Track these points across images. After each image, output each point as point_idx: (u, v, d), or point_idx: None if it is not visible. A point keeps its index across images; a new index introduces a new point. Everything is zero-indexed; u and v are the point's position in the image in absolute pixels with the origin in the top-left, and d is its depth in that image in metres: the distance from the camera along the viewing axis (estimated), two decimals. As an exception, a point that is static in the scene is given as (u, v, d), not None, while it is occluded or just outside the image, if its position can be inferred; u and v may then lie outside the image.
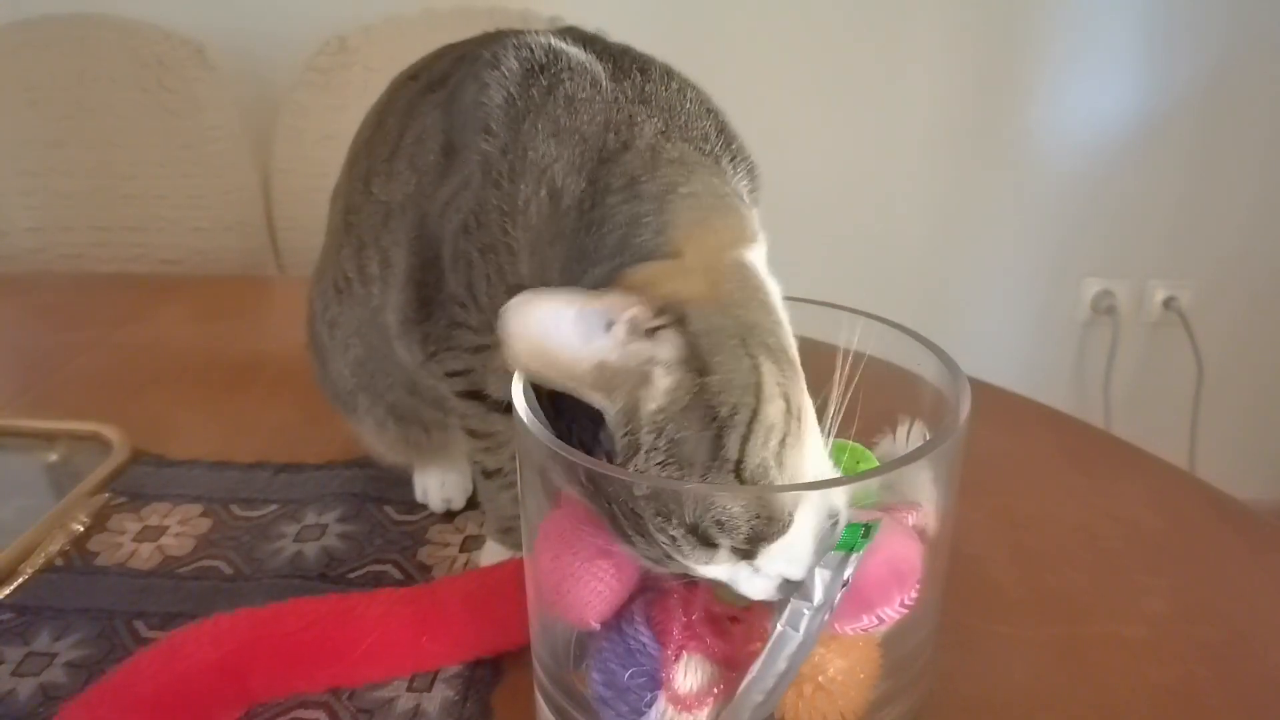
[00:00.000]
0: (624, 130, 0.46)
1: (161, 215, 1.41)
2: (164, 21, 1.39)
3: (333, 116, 1.38)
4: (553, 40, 0.51)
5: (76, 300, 1.12)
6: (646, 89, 0.49)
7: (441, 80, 0.58)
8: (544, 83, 0.49)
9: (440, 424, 0.65)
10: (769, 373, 0.38)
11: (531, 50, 0.51)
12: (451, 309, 0.55)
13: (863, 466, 0.43)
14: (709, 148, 0.48)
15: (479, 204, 0.51)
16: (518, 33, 0.53)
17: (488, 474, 0.60)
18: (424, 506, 0.69)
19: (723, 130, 0.50)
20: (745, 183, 0.49)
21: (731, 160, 0.49)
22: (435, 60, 0.63)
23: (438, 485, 0.69)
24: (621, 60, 0.50)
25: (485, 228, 0.51)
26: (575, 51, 0.50)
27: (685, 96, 0.49)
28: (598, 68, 0.49)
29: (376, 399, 0.66)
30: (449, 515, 0.68)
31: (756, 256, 0.44)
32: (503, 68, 0.51)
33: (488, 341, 0.54)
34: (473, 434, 0.59)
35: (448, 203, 0.53)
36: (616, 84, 0.48)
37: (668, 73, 0.51)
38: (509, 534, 0.61)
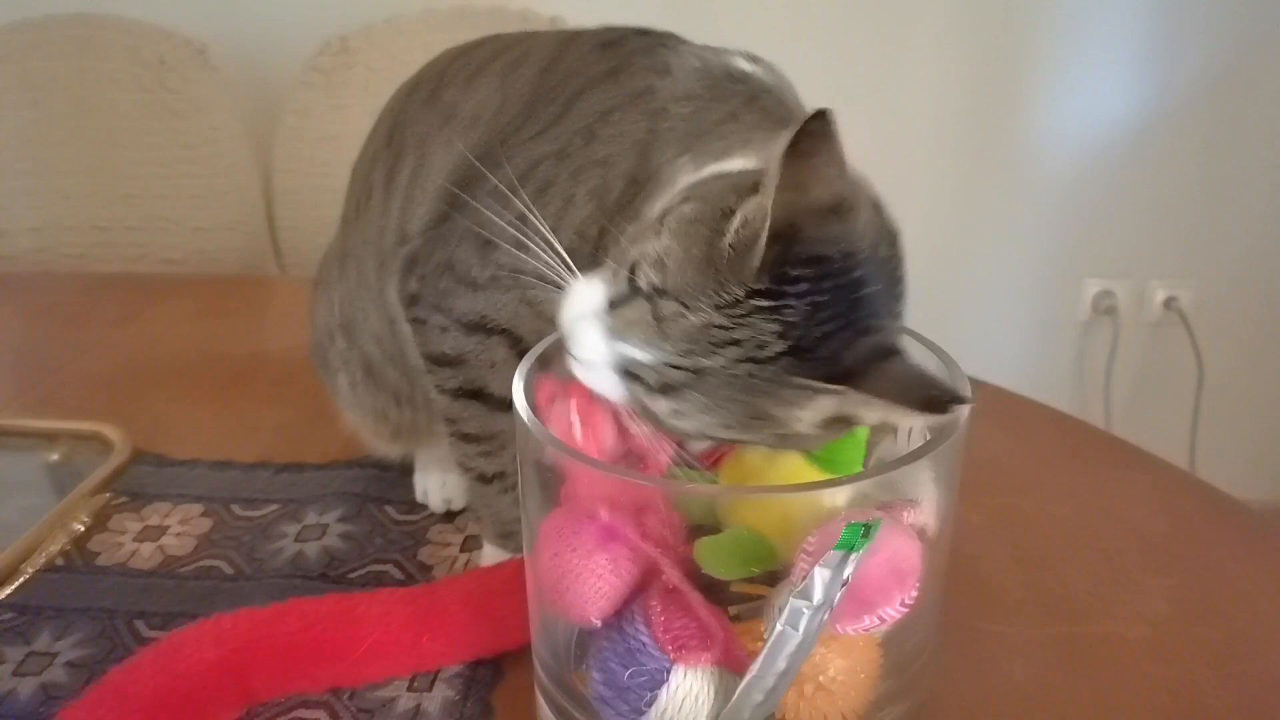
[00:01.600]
0: None
1: (163, 215, 1.41)
2: (166, 22, 1.39)
3: (334, 116, 1.39)
4: (738, 60, 0.54)
5: (78, 300, 1.12)
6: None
7: (613, 39, 0.58)
8: (738, 87, 0.52)
9: (409, 398, 0.64)
10: None
11: (723, 61, 0.54)
12: (459, 250, 0.54)
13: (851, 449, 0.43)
14: None
15: (589, 167, 0.52)
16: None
17: (486, 479, 0.60)
18: (425, 506, 0.69)
19: None
20: None
21: None
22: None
23: (438, 485, 0.69)
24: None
25: (572, 200, 0.52)
26: (767, 77, 0.54)
27: None
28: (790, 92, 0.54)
29: (351, 345, 0.66)
30: (449, 515, 0.68)
31: None
32: (708, 53, 0.53)
33: (481, 310, 0.54)
34: (468, 438, 0.58)
35: (538, 145, 0.54)
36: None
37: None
38: (510, 539, 0.61)
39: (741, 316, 0.39)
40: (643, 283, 0.41)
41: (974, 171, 1.74)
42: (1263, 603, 0.60)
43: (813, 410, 0.40)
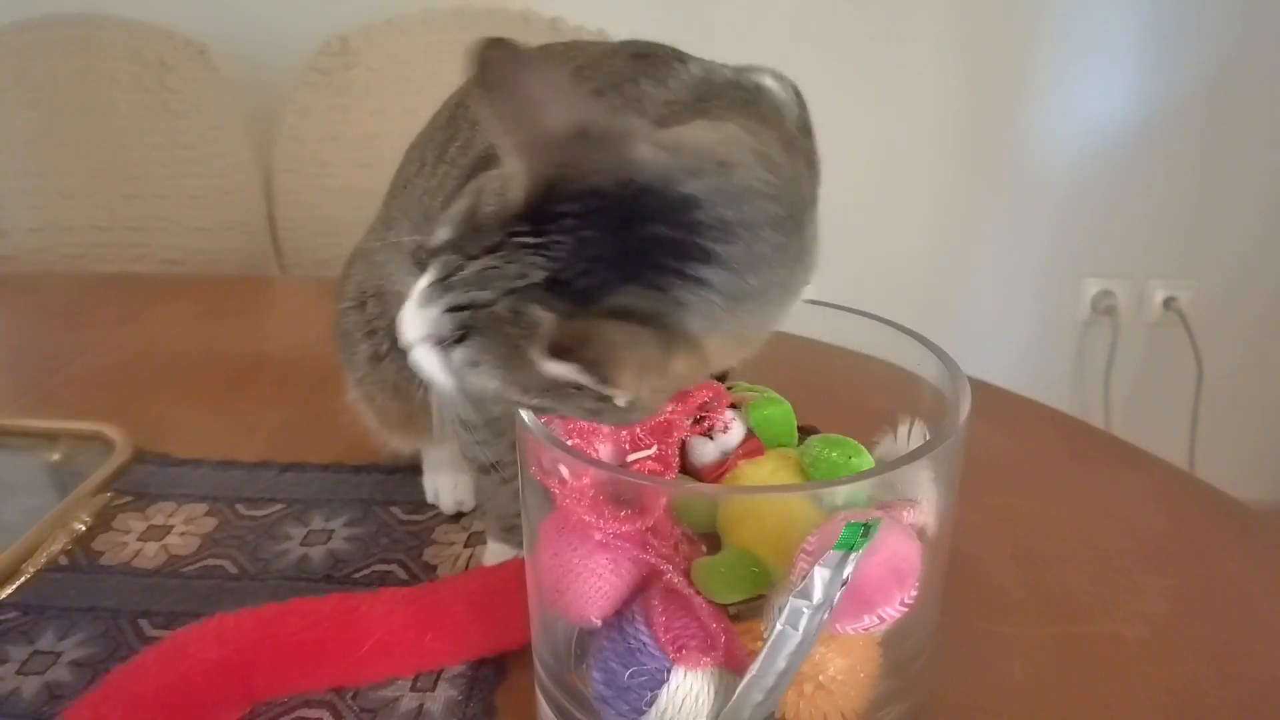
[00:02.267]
0: (798, 167, 0.46)
1: (163, 215, 1.41)
2: (166, 22, 1.40)
3: (335, 117, 1.39)
4: (763, 77, 0.52)
5: (78, 300, 1.12)
6: (815, 160, 0.50)
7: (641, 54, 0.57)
8: (744, 94, 0.50)
9: (404, 393, 0.64)
10: None
11: (739, 75, 0.52)
12: None
13: (855, 460, 0.43)
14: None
15: None
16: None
17: (485, 468, 0.60)
18: (431, 506, 0.69)
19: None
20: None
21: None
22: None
23: (450, 486, 0.69)
24: (812, 130, 0.52)
25: None
26: (780, 93, 0.51)
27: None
28: (794, 112, 0.51)
29: (383, 313, 0.65)
30: (455, 515, 0.68)
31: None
32: (714, 66, 0.51)
33: None
34: (464, 425, 0.58)
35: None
36: (800, 134, 0.50)
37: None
38: (512, 533, 0.61)
39: (507, 255, 0.39)
40: (435, 244, 0.42)
41: (974, 171, 1.74)
42: (1263, 603, 0.60)
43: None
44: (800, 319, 0.49)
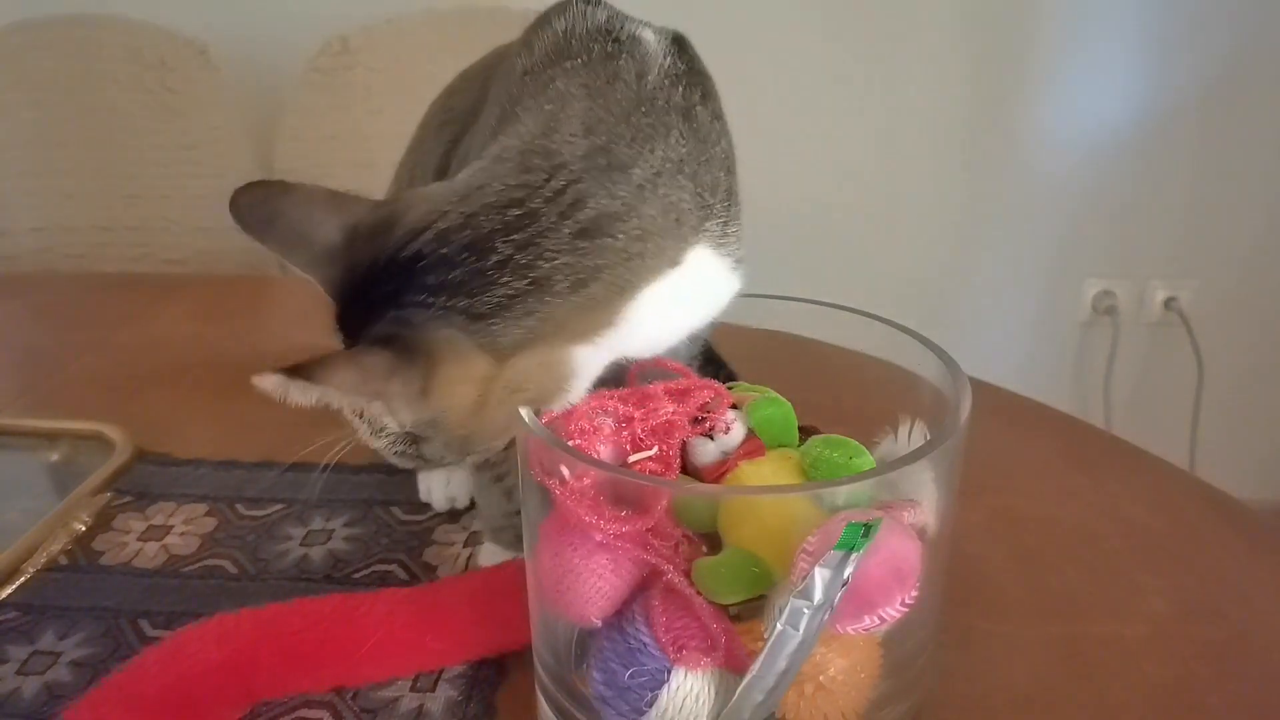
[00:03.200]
0: (641, 130, 0.46)
1: (164, 215, 1.41)
2: (167, 22, 1.40)
3: (335, 117, 1.39)
4: (644, 30, 0.50)
5: (79, 300, 1.12)
6: (696, 110, 0.48)
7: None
8: (608, 47, 0.48)
9: None
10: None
11: (620, 25, 0.50)
12: None
13: (856, 461, 0.43)
14: (711, 200, 0.48)
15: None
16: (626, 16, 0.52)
17: (477, 467, 0.60)
18: (430, 505, 0.69)
19: (731, 193, 0.49)
20: (731, 248, 0.49)
21: (721, 224, 0.48)
22: None
23: (442, 483, 0.69)
24: (692, 72, 0.50)
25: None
26: (653, 44, 0.49)
27: (717, 140, 0.49)
28: (661, 63, 0.48)
29: None
30: (454, 515, 0.69)
31: (596, 351, 0.46)
32: (587, 11, 0.50)
33: None
34: None
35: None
36: (671, 86, 0.48)
37: (718, 111, 0.50)
38: (502, 532, 0.61)
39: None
40: None
41: (974, 171, 1.74)
42: (1263, 603, 0.60)
43: None
44: (800, 319, 0.49)
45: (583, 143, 0.44)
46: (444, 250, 0.42)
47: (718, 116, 0.50)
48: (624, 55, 0.48)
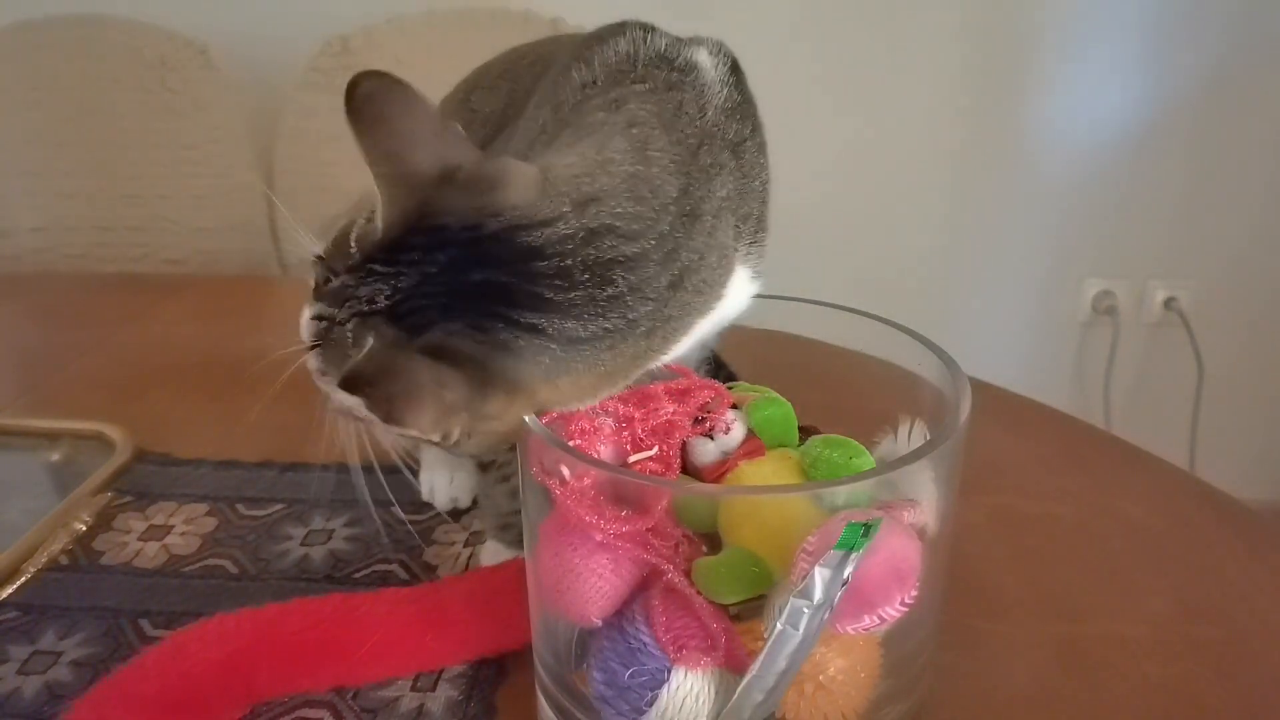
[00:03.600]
0: (707, 171, 0.46)
1: (164, 215, 1.41)
2: (167, 22, 1.40)
3: (335, 117, 1.37)
4: (699, 53, 0.50)
5: (79, 300, 1.12)
6: (745, 145, 0.49)
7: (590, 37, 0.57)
8: (671, 76, 0.48)
9: None
10: None
11: (677, 52, 0.50)
12: None
13: (856, 461, 0.43)
14: (744, 228, 0.48)
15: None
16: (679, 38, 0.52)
17: (482, 467, 0.60)
18: (431, 505, 0.69)
19: (761, 221, 0.50)
20: (754, 264, 0.49)
21: (750, 245, 0.49)
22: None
23: (445, 483, 0.69)
24: (745, 103, 0.50)
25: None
26: (710, 73, 0.49)
27: (759, 171, 0.49)
28: (719, 95, 0.49)
29: None
30: (456, 514, 0.69)
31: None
32: (647, 37, 0.50)
33: None
34: None
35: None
36: (727, 120, 0.48)
37: (763, 142, 0.51)
38: (506, 530, 0.61)
39: (363, 278, 0.41)
40: (315, 254, 0.45)
41: (974, 171, 1.74)
42: (1263, 603, 0.60)
43: None
44: (800, 319, 0.49)
45: (674, 183, 0.44)
46: (566, 262, 0.40)
47: (761, 149, 0.50)
48: (687, 86, 0.48)
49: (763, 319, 0.52)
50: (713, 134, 0.47)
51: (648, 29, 0.50)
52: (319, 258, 0.44)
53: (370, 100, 0.42)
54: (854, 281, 1.69)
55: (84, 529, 0.67)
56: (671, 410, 0.45)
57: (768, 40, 1.67)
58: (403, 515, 0.68)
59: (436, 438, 0.40)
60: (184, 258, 1.41)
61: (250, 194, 1.42)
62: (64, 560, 0.64)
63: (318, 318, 0.43)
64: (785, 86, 1.66)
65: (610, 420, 0.44)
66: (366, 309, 0.41)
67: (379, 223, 0.42)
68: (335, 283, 0.42)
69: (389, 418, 0.38)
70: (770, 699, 0.38)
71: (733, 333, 0.53)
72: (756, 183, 0.49)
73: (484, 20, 1.38)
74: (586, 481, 0.40)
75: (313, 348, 0.44)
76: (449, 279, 0.40)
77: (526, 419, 0.42)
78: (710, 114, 0.47)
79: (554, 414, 0.44)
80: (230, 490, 0.72)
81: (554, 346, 0.41)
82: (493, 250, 0.40)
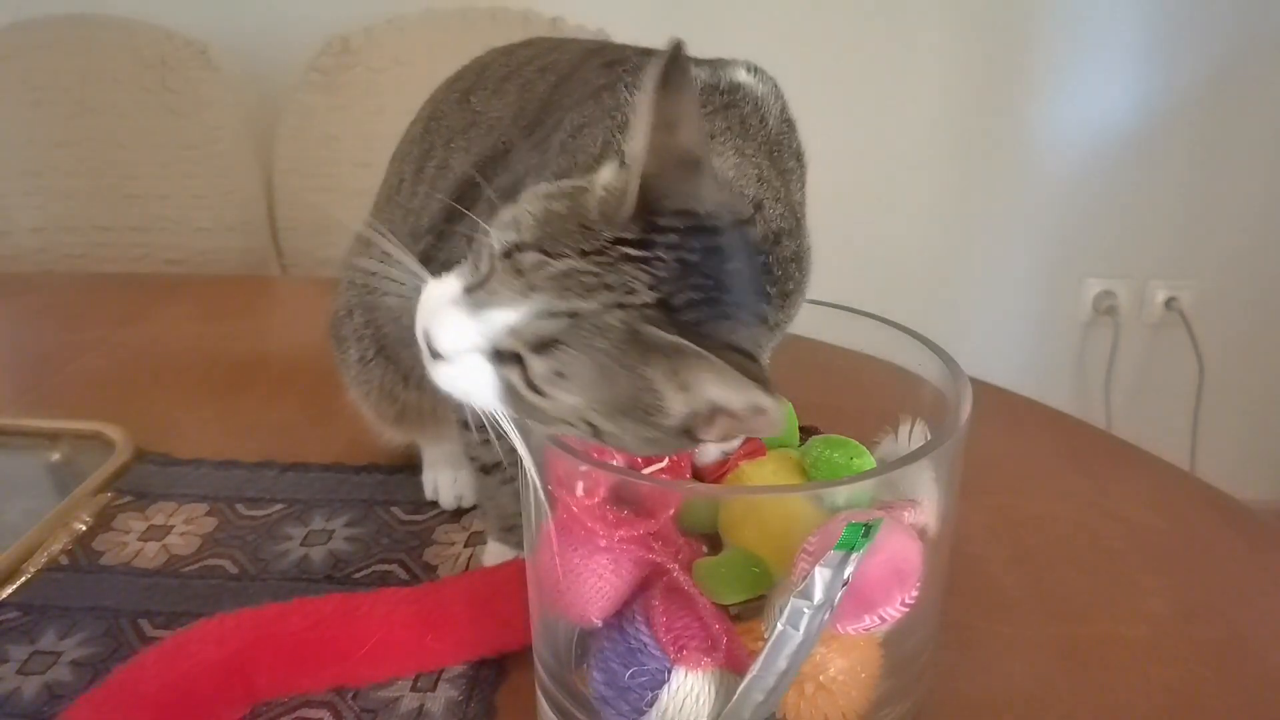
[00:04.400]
0: (785, 175, 0.48)
1: (164, 215, 1.41)
2: (167, 22, 1.40)
3: (335, 117, 1.39)
4: (737, 73, 0.51)
5: (79, 300, 1.12)
6: (803, 155, 0.51)
7: (618, 58, 0.57)
8: (720, 100, 0.49)
9: (419, 381, 0.64)
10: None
11: (718, 76, 0.50)
12: (455, 253, 0.53)
13: (856, 462, 0.43)
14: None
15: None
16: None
17: (486, 469, 0.60)
18: (431, 505, 0.69)
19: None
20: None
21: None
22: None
23: (450, 482, 0.69)
24: (794, 122, 0.52)
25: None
26: (757, 88, 0.51)
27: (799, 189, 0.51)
28: (775, 108, 0.50)
29: (369, 322, 0.66)
30: (456, 514, 0.69)
31: None
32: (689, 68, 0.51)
33: None
34: (466, 426, 0.58)
35: (530, 156, 0.54)
36: (790, 131, 0.51)
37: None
38: (511, 532, 0.61)
39: (609, 263, 0.38)
40: (497, 249, 0.40)
41: (974, 171, 1.74)
42: (1263, 603, 0.60)
43: (679, 388, 0.38)
44: (800, 319, 0.49)
45: (780, 184, 0.47)
46: (767, 258, 0.43)
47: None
48: (740, 103, 0.49)
49: (763, 319, 0.52)
50: (779, 142, 0.49)
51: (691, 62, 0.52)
52: (515, 246, 0.39)
53: (684, 70, 0.39)
54: (854, 282, 1.68)
55: (84, 529, 0.67)
56: None
57: (768, 40, 1.67)
58: (403, 515, 0.68)
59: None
60: (184, 258, 1.41)
61: (250, 194, 1.42)
62: (64, 560, 0.64)
63: (552, 313, 0.38)
64: (785, 87, 1.67)
65: None
66: (630, 300, 0.37)
67: (631, 193, 0.38)
68: (558, 265, 0.38)
69: (757, 429, 0.39)
70: (770, 699, 0.38)
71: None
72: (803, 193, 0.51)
73: (484, 20, 1.38)
74: (600, 497, 0.40)
75: (544, 346, 0.38)
76: (709, 269, 0.39)
77: (546, 437, 0.42)
78: (772, 123, 0.50)
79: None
80: (230, 490, 0.72)
81: (765, 343, 0.43)
82: (732, 243, 0.40)
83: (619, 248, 0.38)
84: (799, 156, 0.50)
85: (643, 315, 0.38)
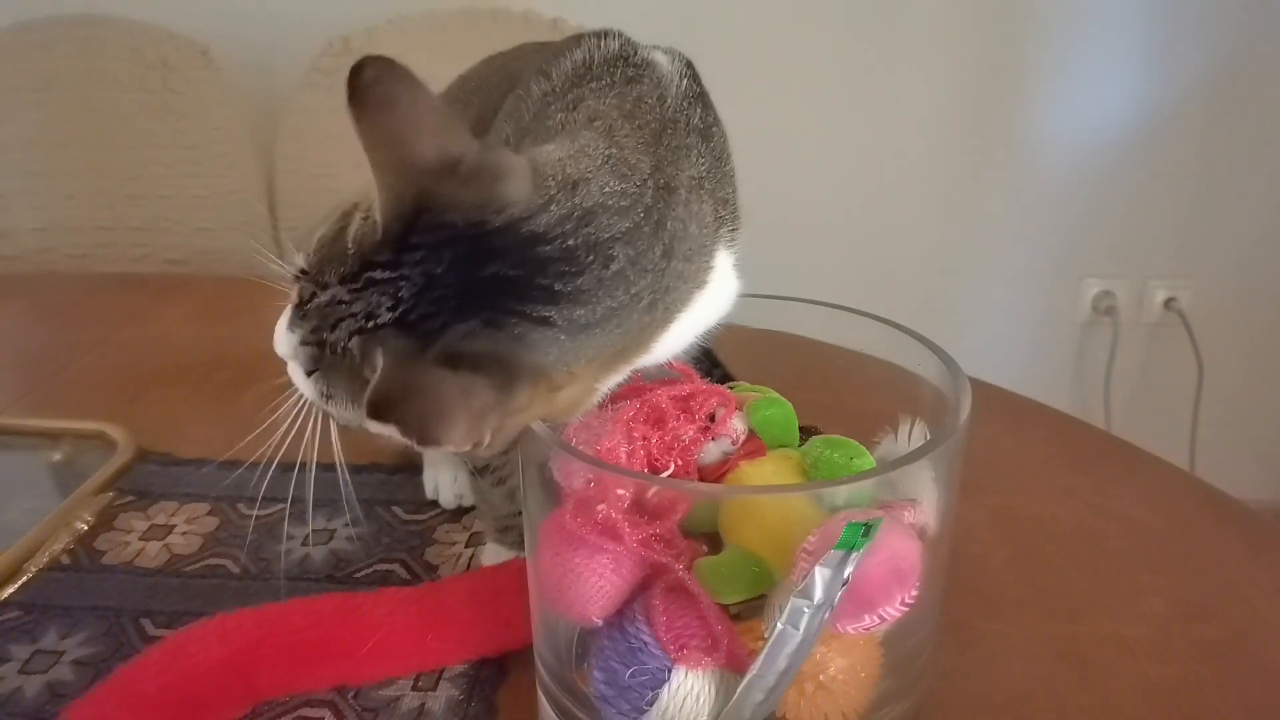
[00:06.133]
0: (675, 151, 0.46)
1: (166, 215, 1.41)
2: (169, 23, 1.40)
3: (336, 117, 1.37)
4: (656, 54, 0.51)
5: (81, 300, 1.12)
6: (712, 130, 0.49)
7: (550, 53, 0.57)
8: (627, 72, 0.49)
9: None
10: None
11: (633, 50, 0.50)
12: None
13: (856, 461, 0.43)
14: (723, 213, 0.48)
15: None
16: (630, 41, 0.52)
17: (478, 471, 0.60)
18: (432, 505, 0.69)
19: (735, 208, 0.50)
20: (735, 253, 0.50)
21: (731, 232, 0.49)
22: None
23: (450, 481, 0.69)
24: (703, 94, 0.51)
25: None
26: (667, 67, 0.50)
27: (728, 157, 0.50)
28: (678, 86, 0.49)
29: None
30: (457, 514, 0.69)
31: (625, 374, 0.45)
32: (601, 43, 0.50)
33: None
34: None
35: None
36: (690, 107, 0.49)
37: (724, 131, 0.51)
38: (507, 533, 0.61)
39: (359, 290, 0.39)
40: (296, 270, 0.43)
41: (974, 171, 1.74)
42: (1263, 603, 0.60)
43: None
44: (800, 319, 0.49)
45: (646, 161, 0.44)
46: (569, 243, 0.40)
47: (724, 136, 0.51)
48: (644, 79, 0.48)
49: (763, 319, 0.52)
50: (675, 120, 0.47)
51: (605, 35, 0.51)
52: (301, 273, 0.42)
53: (374, 85, 0.40)
54: (854, 281, 1.69)
55: (86, 528, 0.67)
56: (692, 431, 0.45)
57: (767, 41, 1.67)
58: (403, 515, 0.68)
59: (468, 448, 0.38)
60: (185, 258, 1.41)
61: (251, 194, 1.42)
62: (66, 560, 0.64)
63: (310, 342, 0.41)
64: (785, 87, 1.67)
65: (625, 444, 0.44)
66: (369, 324, 0.39)
67: (377, 218, 0.40)
68: (324, 296, 0.40)
69: (424, 439, 0.37)
70: (770, 698, 0.38)
71: (733, 333, 0.53)
72: (728, 167, 0.50)
73: (484, 20, 1.38)
74: (609, 499, 0.40)
75: (310, 372, 0.42)
76: (457, 276, 0.39)
77: (538, 429, 0.42)
78: (670, 101, 0.48)
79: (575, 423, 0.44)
80: (231, 490, 0.72)
81: (567, 333, 0.40)
82: (499, 244, 0.39)
83: (367, 274, 0.39)
84: (703, 131, 0.48)
85: (377, 338, 0.39)
